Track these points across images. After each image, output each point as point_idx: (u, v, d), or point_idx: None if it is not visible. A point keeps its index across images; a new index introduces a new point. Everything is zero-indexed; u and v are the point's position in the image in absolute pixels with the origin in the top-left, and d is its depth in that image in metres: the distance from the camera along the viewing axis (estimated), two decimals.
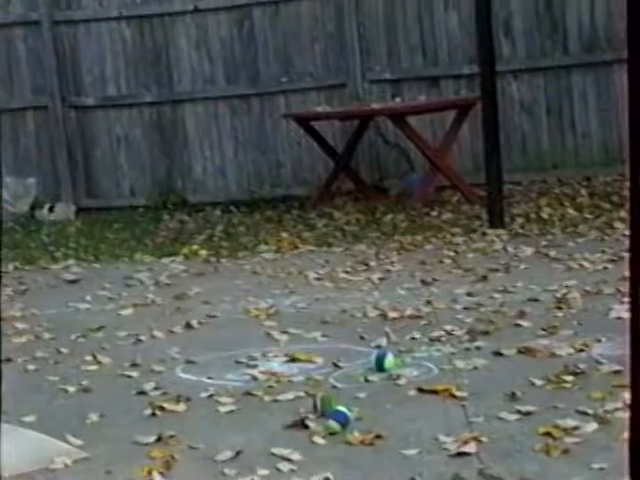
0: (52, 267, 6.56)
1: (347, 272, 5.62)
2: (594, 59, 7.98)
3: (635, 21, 1.36)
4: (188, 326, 4.64)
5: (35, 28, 8.97)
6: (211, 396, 3.55)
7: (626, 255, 5.24)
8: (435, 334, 4.14)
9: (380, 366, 3.69)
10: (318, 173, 8.45)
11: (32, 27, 8.99)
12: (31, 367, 4.15)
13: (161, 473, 2.90)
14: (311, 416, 3.20)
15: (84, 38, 8.93)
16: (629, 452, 1.38)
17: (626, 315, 4.08)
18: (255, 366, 3.89)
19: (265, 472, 2.85)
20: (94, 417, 3.41)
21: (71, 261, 6.68)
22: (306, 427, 3.13)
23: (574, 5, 8.02)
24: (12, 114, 9.07)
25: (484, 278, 5.18)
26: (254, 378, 3.74)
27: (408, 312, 4.56)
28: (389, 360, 3.70)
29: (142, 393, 3.64)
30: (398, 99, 8.22)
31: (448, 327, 4.23)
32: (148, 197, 8.85)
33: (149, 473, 2.90)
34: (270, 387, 3.60)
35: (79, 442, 3.15)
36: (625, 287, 4.53)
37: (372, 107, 8.00)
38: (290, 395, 3.47)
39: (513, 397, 3.28)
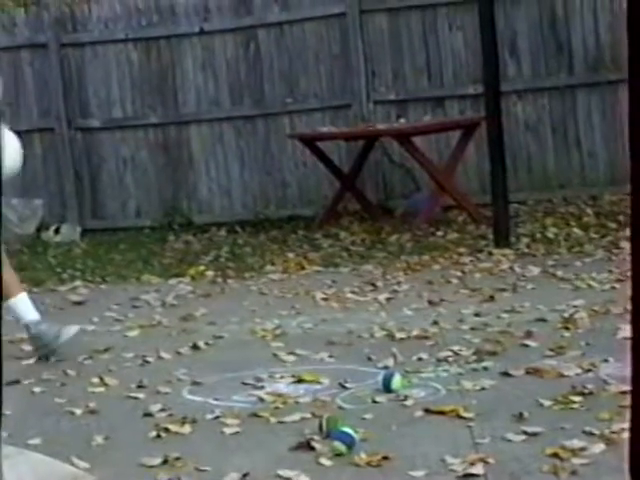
0: (59, 289, 6.57)
1: (354, 292, 5.62)
2: (599, 79, 7.99)
3: (635, 39, 1.35)
4: (195, 347, 4.64)
5: (42, 51, 9.02)
6: (217, 417, 3.54)
7: None
8: (442, 354, 4.13)
9: (387, 387, 3.68)
10: (324, 193, 8.46)
11: (39, 50, 9.04)
12: (37, 389, 4.14)
13: None
14: (317, 437, 3.19)
15: (90, 60, 8.98)
16: (629, 466, 1.37)
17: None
18: (262, 387, 3.88)
19: None
20: (100, 439, 3.40)
21: (78, 282, 6.69)
22: (312, 449, 3.12)
23: (579, 25, 8.05)
24: (19, 136, 9.09)
25: (491, 298, 5.17)
26: (260, 399, 3.73)
27: (415, 332, 4.55)
28: (396, 381, 3.69)
29: (148, 415, 3.64)
30: (403, 120, 8.24)
31: (455, 347, 4.21)
32: (154, 218, 8.86)
33: None
34: (276, 408, 3.59)
35: (85, 465, 3.14)
36: None
37: (377, 128, 8.02)
38: (296, 416, 3.46)
39: (520, 418, 3.26)
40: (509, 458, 2.95)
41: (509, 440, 3.09)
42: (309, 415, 3.45)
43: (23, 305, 4.63)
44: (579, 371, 3.74)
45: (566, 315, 4.65)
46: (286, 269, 6.52)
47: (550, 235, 6.82)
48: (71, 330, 4.62)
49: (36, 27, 9.06)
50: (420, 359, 4.11)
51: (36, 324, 4.63)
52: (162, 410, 3.67)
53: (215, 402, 3.74)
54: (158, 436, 3.39)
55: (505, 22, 8.02)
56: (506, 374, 3.78)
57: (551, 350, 4.07)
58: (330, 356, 4.29)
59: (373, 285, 5.77)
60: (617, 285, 5.19)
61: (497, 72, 6.63)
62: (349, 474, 2.95)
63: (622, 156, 7.95)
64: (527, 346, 4.19)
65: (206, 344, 4.69)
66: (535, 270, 5.79)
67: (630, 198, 1.37)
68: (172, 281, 6.46)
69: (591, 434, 3.06)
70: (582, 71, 8.06)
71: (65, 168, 9.07)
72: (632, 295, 1.36)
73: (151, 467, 3.10)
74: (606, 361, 3.84)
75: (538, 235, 6.86)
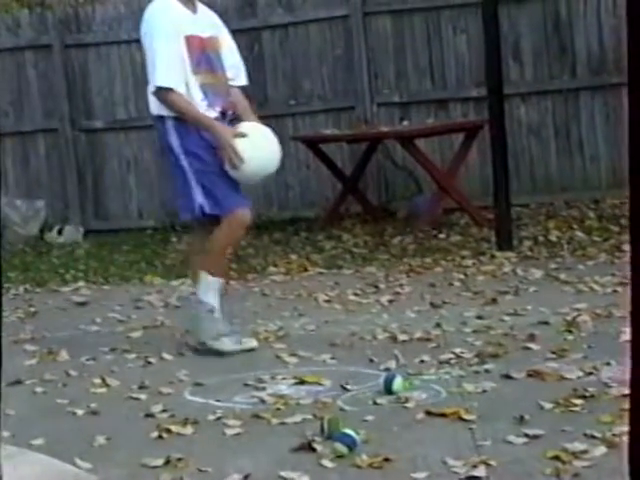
0: (62, 289, 6.58)
1: (356, 294, 5.62)
2: (602, 82, 8.00)
3: (635, 45, 1.36)
4: (197, 348, 4.64)
5: (46, 52, 9.03)
6: (219, 418, 3.55)
7: None
8: (444, 357, 4.14)
9: (389, 389, 3.68)
10: (326, 195, 8.47)
11: (43, 51, 9.05)
12: (40, 389, 4.15)
13: None
14: (318, 439, 3.20)
15: (94, 62, 8.99)
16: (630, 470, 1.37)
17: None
18: (263, 388, 3.89)
19: None
20: (102, 440, 3.41)
21: (81, 283, 6.70)
22: (313, 450, 3.12)
23: (582, 28, 8.05)
24: (23, 137, 9.12)
25: (493, 301, 5.17)
26: (262, 401, 3.73)
27: (417, 335, 4.55)
28: (398, 383, 3.70)
29: (150, 415, 3.64)
30: (406, 122, 8.24)
31: (457, 350, 4.22)
32: (156, 219, 8.87)
33: None
34: (278, 410, 3.60)
35: (87, 465, 3.15)
36: None
37: (380, 130, 8.03)
38: (298, 418, 3.46)
39: (522, 420, 3.27)
40: (511, 460, 2.96)
41: (511, 442, 3.10)
42: (310, 416, 3.46)
43: (212, 286, 4.43)
44: (581, 374, 3.74)
45: (569, 318, 4.65)
46: (289, 271, 6.53)
47: (553, 238, 6.83)
48: (251, 343, 4.47)
49: (40, 28, 9.07)
50: (422, 361, 4.11)
51: (209, 310, 4.45)
52: (164, 411, 3.68)
53: (217, 403, 3.75)
54: (160, 437, 3.39)
55: (508, 25, 8.02)
56: (508, 377, 3.79)
57: (553, 353, 4.08)
58: (332, 358, 4.30)
59: (375, 287, 5.78)
60: (620, 288, 5.19)
61: (500, 75, 6.64)
62: (351, 476, 2.95)
63: (624, 160, 7.94)
64: (529, 349, 4.20)
65: None
66: (537, 273, 5.80)
67: (629, 201, 1.37)
68: (175, 282, 6.47)
69: (593, 437, 3.07)
70: (585, 74, 8.06)
71: (68, 169, 9.08)
72: (632, 300, 1.37)
73: (153, 468, 3.11)
74: (608, 364, 3.84)
75: (541, 238, 6.86)
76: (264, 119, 8.58)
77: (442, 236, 7.26)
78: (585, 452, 2.95)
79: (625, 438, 3.03)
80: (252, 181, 4.53)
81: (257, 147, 4.44)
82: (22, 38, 9.11)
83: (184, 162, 4.42)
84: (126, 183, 9.04)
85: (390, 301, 5.39)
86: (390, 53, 8.38)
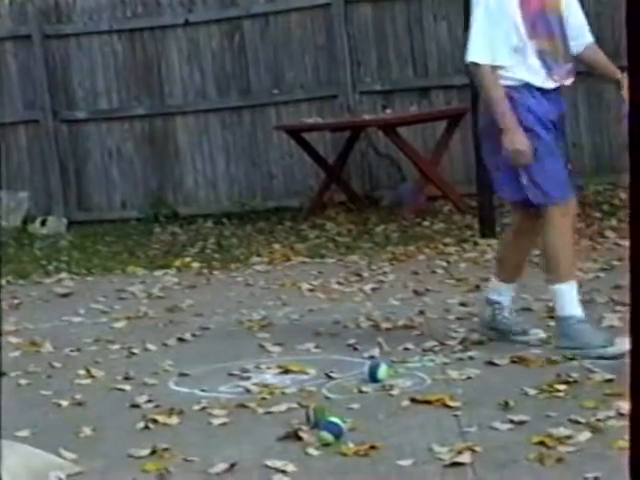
0: (45, 281, 6.56)
1: (340, 283, 5.63)
2: (584, 68, 7.99)
3: (635, 30, 1.35)
4: (181, 338, 4.64)
5: (26, 42, 8.98)
6: (204, 408, 3.55)
7: (618, 264, 5.27)
8: (428, 344, 4.15)
9: (373, 377, 3.69)
10: (310, 184, 8.47)
11: (23, 41, 9.00)
12: (24, 381, 4.14)
13: None
14: (304, 427, 3.20)
15: (75, 52, 8.95)
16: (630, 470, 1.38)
17: (618, 324, 4.10)
18: (248, 378, 3.89)
19: None
20: (87, 431, 3.41)
21: (64, 275, 6.68)
22: (299, 439, 3.13)
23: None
24: (4, 128, 9.08)
25: (477, 288, 5.18)
26: (247, 390, 3.74)
27: (401, 322, 4.56)
28: (382, 371, 3.71)
29: (135, 406, 3.64)
30: (389, 110, 8.24)
31: (441, 337, 4.23)
32: (140, 210, 8.85)
33: None
34: (263, 399, 3.60)
35: (73, 456, 3.15)
36: (617, 295, 4.55)
37: (363, 118, 8.02)
38: (283, 407, 3.47)
39: (506, 406, 3.28)
40: (496, 446, 2.97)
41: (495, 429, 3.11)
42: (296, 405, 3.47)
43: (568, 295, 3.93)
44: (564, 360, 3.76)
45: (551, 304, 4.66)
46: (272, 260, 6.53)
47: None
48: (624, 345, 3.58)
49: (20, 19, 9.02)
50: (406, 349, 4.12)
51: (578, 321, 3.88)
52: (149, 401, 3.68)
53: (202, 393, 3.75)
54: (146, 427, 3.39)
55: None
56: (492, 363, 3.80)
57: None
58: (316, 346, 4.30)
59: (359, 275, 5.78)
60: (602, 274, 5.22)
61: None
62: (337, 464, 2.96)
63: (607, 147, 7.97)
64: None
65: (192, 335, 4.70)
66: None
67: (630, 194, 1.37)
68: (158, 273, 6.46)
69: (577, 422, 3.08)
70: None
71: (50, 160, 9.05)
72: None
73: (139, 458, 3.11)
74: None
75: None
76: (247, 108, 8.66)
77: (425, 224, 7.28)
78: (569, 437, 2.97)
79: (609, 423, 3.06)
80: None
81: None
82: (2, 28, 9.06)
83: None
84: (109, 174, 9.01)
85: (374, 289, 5.39)
86: (372, 41, 8.37)
